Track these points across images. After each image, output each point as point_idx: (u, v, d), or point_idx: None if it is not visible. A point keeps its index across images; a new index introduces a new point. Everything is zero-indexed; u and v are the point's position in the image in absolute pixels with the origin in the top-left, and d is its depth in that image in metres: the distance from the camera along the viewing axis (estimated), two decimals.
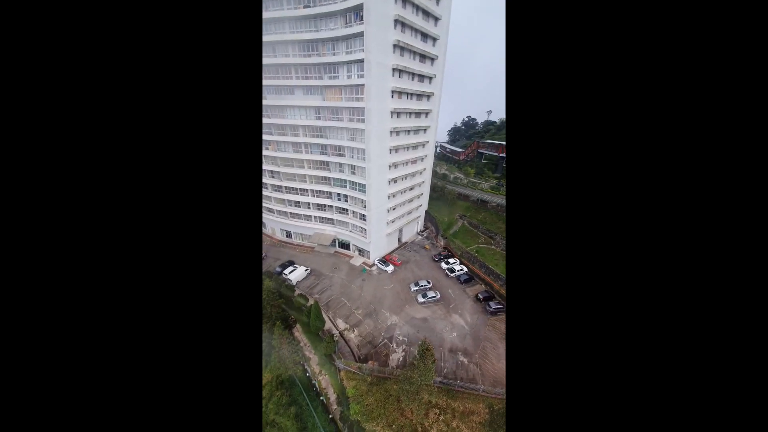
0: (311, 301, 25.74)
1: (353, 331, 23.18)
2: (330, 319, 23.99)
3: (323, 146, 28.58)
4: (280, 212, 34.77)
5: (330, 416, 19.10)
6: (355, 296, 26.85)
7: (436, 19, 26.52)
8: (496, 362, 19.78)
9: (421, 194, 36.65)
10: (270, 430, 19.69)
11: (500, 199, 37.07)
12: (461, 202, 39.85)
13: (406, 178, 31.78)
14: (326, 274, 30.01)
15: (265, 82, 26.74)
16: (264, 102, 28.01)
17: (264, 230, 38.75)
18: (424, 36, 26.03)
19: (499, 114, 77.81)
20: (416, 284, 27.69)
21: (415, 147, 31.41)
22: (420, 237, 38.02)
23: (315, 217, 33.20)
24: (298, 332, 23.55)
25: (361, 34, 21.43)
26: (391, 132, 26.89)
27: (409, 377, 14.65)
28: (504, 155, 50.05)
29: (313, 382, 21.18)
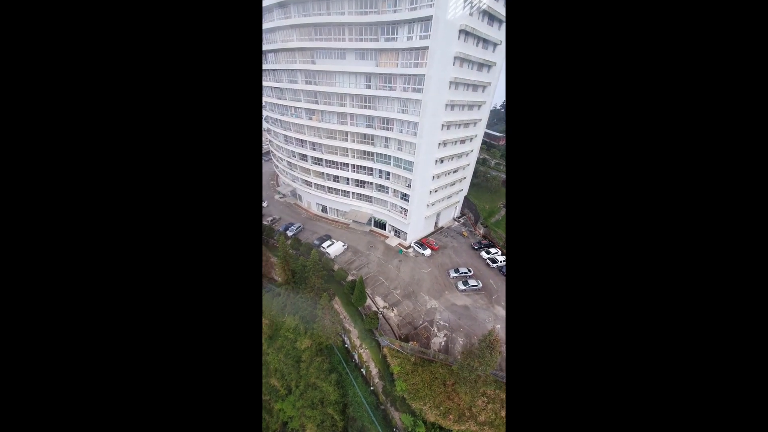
0: (351, 276, 25.72)
1: (392, 310, 22.96)
2: (369, 296, 23.87)
3: (370, 119, 26.95)
4: (317, 186, 34.41)
5: (371, 388, 19.40)
6: (393, 276, 26.45)
7: None
8: None
9: (464, 178, 34.42)
10: (312, 392, 20.50)
11: None
12: (503, 190, 37.14)
13: (452, 158, 29.64)
14: (363, 252, 29.76)
15: (314, 44, 25.05)
16: (312, 67, 26.50)
17: (300, 203, 38.99)
18: None
19: None
20: (456, 271, 26.65)
21: (466, 125, 28.84)
22: (457, 223, 36.37)
23: (353, 193, 32.46)
24: (338, 305, 23.78)
25: None
26: (446, 106, 24.53)
27: (469, 365, 14.02)
28: None
29: (353, 354, 21.51)
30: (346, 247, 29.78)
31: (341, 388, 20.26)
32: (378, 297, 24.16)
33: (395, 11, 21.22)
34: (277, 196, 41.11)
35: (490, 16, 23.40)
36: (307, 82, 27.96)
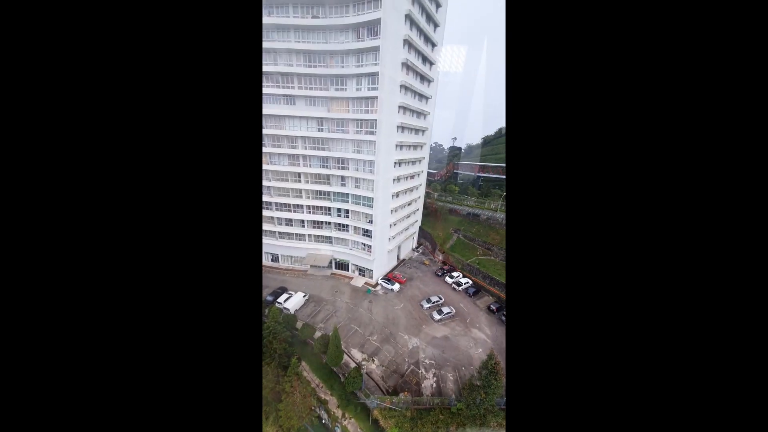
0: (319, 332, 22.25)
1: (373, 360, 20.36)
2: (344, 351, 20.81)
3: (324, 159, 26.99)
4: (266, 232, 30.76)
5: None
6: (366, 321, 24.16)
7: (433, 45, 28.80)
8: None
9: (417, 209, 36.72)
10: None
11: (491, 213, 39.31)
12: (453, 217, 41.05)
13: (405, 192, 31.62)
14: (327, 299, 26.71)
15: (264, 90, 24.81)
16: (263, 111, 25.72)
17: None
18: (424, 59, 27.81)
19: (461, 141, 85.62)
20: (428, 301, 26.36)
21: (413, 162, 31.90)
22: (416, 253, 37.36)
23: (309, 236, 30.17)
24: (307, 371, 19.73)
25: (373, 49, 21.76)
26: (396, 146, 26.90)
27: (474, 400, 12.88)
28: (479, 174, 54.43)
29: (335, 429, 17.46)
30: (307, 297, 26.27)
31: None
32: (354, 349, 21.27)
33: (343, 66, 23.44)
34: None
35: (421, 77, 28.29)
36: None
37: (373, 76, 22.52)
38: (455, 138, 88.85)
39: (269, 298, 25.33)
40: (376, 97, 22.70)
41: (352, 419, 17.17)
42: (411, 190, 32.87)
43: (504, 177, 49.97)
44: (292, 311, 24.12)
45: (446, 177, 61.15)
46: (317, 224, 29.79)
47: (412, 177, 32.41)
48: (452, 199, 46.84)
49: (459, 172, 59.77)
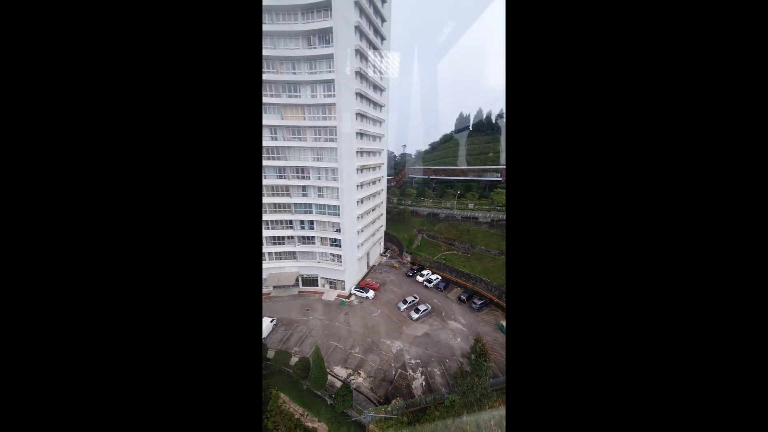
0: (296, 357, 20.20)
1: (359, 374, 19.38)
2: (328, 371, 19.28)
3: (280, 169, 25.31)
4: None
5: None
6: (345, 334, 22.99)
7: (381, 57, 30.27)
8: (501, 350, 20.84)
9: (381, 214, 37.18)
10: None
11: (447, 211, 42.28)
12: (415, 219, 42.76)
13: (369, 198, 31.78)
14: (298, 320, 24.58)
15: None
16: None
17: None
18: (375, 68, 28.97)
19: (411, 149, 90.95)
20: (404, 302, 26.60)
21: (374, 168, 32.42)
22: (385, 258, 37.56)
23: (270, 253, 27.55)
24: (287, 402, 17.59)
25: (327, 56, 21.77)
26: (357, 152, 27.01)
27: (468, 385, 13.29)
28: (432, 177, 58.41)
29: None
30: (274, 322, 23.72)
31: None
32: (337, 366, 19.92)
33: (295, 73, 22.71)
34: None
35: (374, 86, 29.30)
36: None
37: (329, 83, 22.41)
38: (405, 145, 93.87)
39: None
40: (334, 104, 22.56)
41: None
42: (374, 195, 33.21)
43: (453, 178, 54.71)
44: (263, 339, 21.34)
45: (402, 182, 63.83)
46: (278, 240, 27.46)
47: (374, 183, 32.82)
48: (411, 202, 48.94)
49: (413, 176, 63.07)
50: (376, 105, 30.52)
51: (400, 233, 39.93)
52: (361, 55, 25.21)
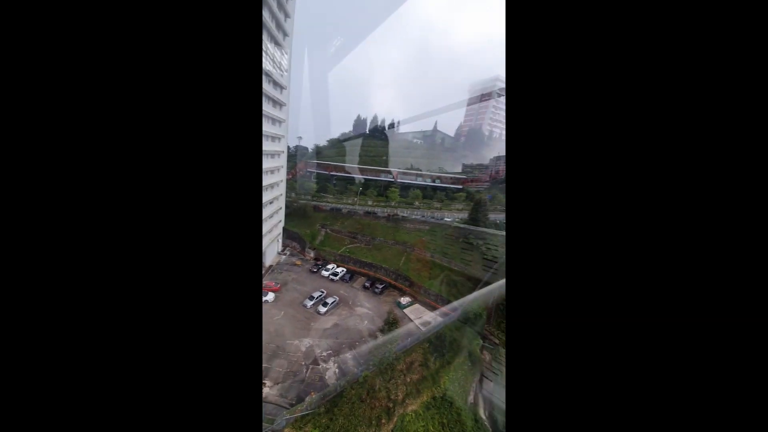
0: None
1: (264, 385, 17.10)
2: None
3: None
4: None
5: None
6: None
7: (283, 53, 27.40)
8: (401, 321, 24.46)
9: (280, 208, 33.64)
10: None
11: (350, 207, 43.73)
12: (317, 214, 41.40)
13: (266, 189, 28.10)
14: None
15: None
16: None
17: None
18: (275, 64, 25.90)
19: (306, 141, 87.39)
20: (310, 298, 25.64)
21: (272, 155, 28.94)
22: (284, 256, 34.33)
23: None
24: None
25: None
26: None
27: (384, 351, 14.87)
28: (332, 173, 58.65)
29: None
30: None
31: None
32: None
33: None
34: None
35: (274, 83, 26.07)
36: None
37: None
38: (300, 137, 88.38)
39: None
40: None
41: None
42: (271, 186, 29.63)
43: (353, 176, 57.38)
44: None
45: (299, 176, 59.97)
46: None
47: (272, 172, 29.27)
48: (311, 197, 47.15)
49: (312, 171, 60.75)
50: (277, 85, 27.37)
51: (301, 229, 37.70)
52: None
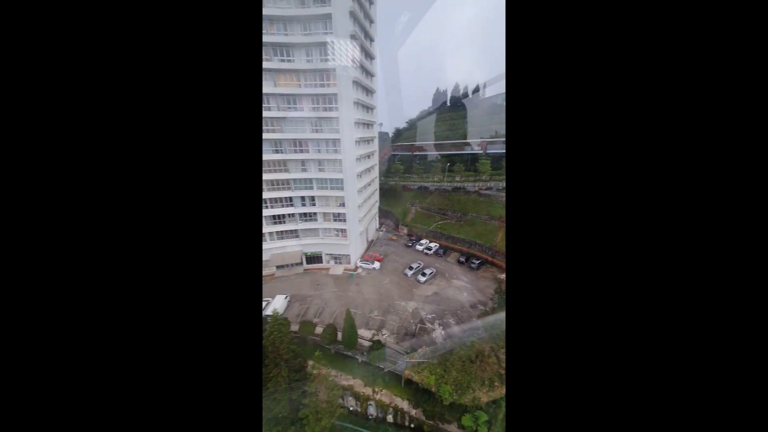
0: (319, 327, 20.64)
1: (382, 333, 20.62)
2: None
3: (275, 143, 23.92)
4: None
5: (412, 426, 16.23)
6: (360, 302, 23.86)
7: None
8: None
9: (375, 190, 37.36)
10: None
11: (438, 184, 43.81)
12: (407, 193, 43.66)
13: (366, 172, 31.66)
14: (312, 294, 24.77)
15: None
16: None
17: None
18: (366, 35, 27.70)
19: (387, 126, 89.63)
20: (410, 268, 28.04)
21: (368, 141, 32.02)
22: (381, 233, 38.36)
23: (271, 233, 26.63)
24: (318, 368, 18.30)
25: (323, 17, 20.34)
26: (355, 123, 26.37)
27: (496, 320, 15.23)
28: (415, 153, 59.27)
29: (367, 408, 17.20)
30: (288, 298, 23.61)
31: None
32: (360, 329, 20.85)
33: (286, 35, 20.94)
34: None
35: (365, 53, 28.15)
36: None
37: (322, 46, 21.11)
38: (381, 123, 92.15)
39: None
40: (334, 69, 21.50)
41: (383, 390, 17.27)
42: (369, 170, 33.09)
43: (438, 153, 56.08)
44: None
45: (384, 159, 63.67)
46: (278, 219, 26.52)
47: (368, 156, 32.57)
48: (399, 178, 49.60)
49: (396, 153, 63.23)
50: (368, 74, 29.54)
51: (393, 208, 40.73)
52: (355, 18, 23.88)
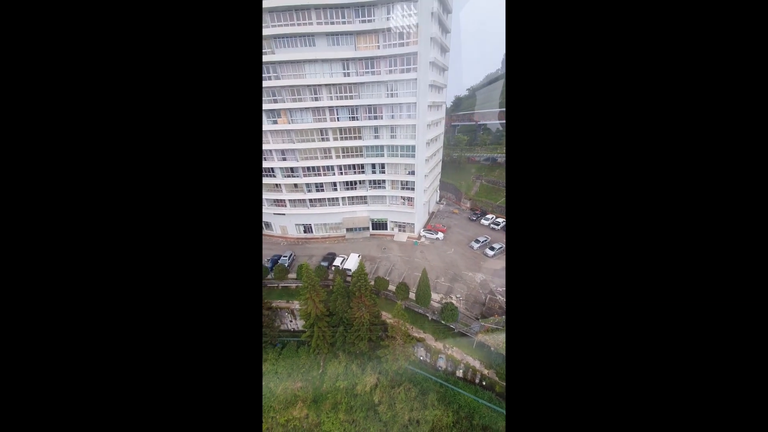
0: (392, 285, 22.26)
1: (450, 297, 21.15)
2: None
3: (352, 110, 24.62)
4: (295, 202, 28.68)
5: (484, 383, 16.97)
6: (427, 268, 24.53)
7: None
8: None
9: (440, 161, 36.16)
10: (416, 430, 16.28)
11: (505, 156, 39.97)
12: (471, 165, 41.21)
13: (433, 141, 30.59)
14: (379, 256, 26.50)
15: (274, 30, 21.04)
16: (273, 57, 22.09)
17: (269, 231, 31.44)
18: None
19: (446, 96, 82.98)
20: (476, 241, 27.26)
21: (438, 106, 30.44)
22: (441, 206, 37.66)
23: (343, 198, 28.70)
24: (389, 319, 20.04)
25: None
26: (430, 86, 25.10)
27: None
28: (480, 122, 54.26)
29: (437, 361, 18.45)
30: (360, 257, 25.81)
31: (448, 405, 16.88)
32: None
33: None
34: None
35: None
36: (264, 78, 23.02)
37: (407, 1, 19.86)
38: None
39: (323, 263, 24.52)
40: (416, 27, 20.31)
41: (455, 348, 18.16)
42: (436, 138, 31.85)
43: (504, 122, 50.21)
44: (352, 272, 23.68)
45: (446, 129, 60.16)
46: (350, 185, 28.24)
47: (436, 124, 31.17)
48: (461, 150, 46.70)
49: (457, 123, 59.00)
50: (443, 50, 27.12)
51: (456, 180, 39.11)
52: None
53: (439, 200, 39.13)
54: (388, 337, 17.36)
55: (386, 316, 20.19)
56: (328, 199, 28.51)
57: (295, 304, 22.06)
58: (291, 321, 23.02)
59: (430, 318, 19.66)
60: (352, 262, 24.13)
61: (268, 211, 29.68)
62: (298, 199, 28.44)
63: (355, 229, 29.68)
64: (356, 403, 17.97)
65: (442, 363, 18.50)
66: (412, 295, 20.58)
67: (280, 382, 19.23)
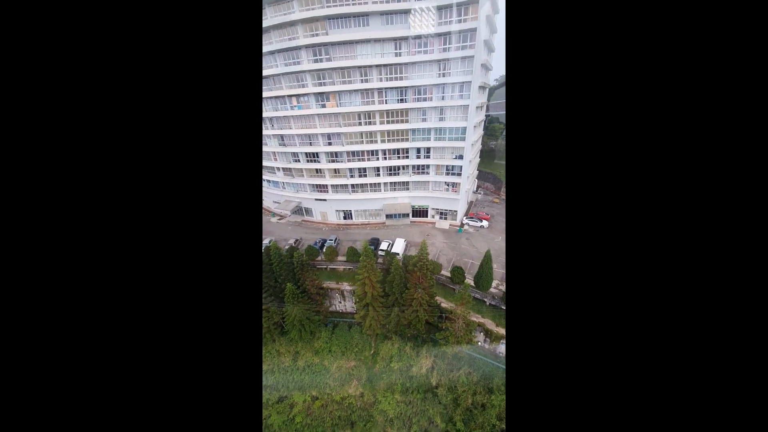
0: (445, 270, 21.77)
1: (504, 284, 20.32)
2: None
3: (402, 91, 24.16)
4: (337, 187, 28.83)
5: None
6: (475, 254, 23.83)
7: None
8: None
9: (480, 148, 34.98)
10: (485, 414, 15.79)
11: None
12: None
13: (479, 125, 29.53)
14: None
15: (326, 11, 20.99)
16: (324, 39, 22.08)
17: (310, 218, 31.95)
18: None
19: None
20: None
21: (484, 89, 29.29)
22: (479, 195, 36.49)
23: (385, 184, 28.46)
24: (444, 302, 19.59)
25: None
26: (482, 66, 24.10)
27: None
28: None
29: (500, 344, 17.77)
30: (406, 242, 25.51)
31: None
32: None
33: None
34: (273, 219, 32.66)
35: None
36: (315, 60, 23.12)
37: None
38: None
39: (370, 247, 24.49)
40: (477, 1, 19.45)
41: None
42: (480, 124, 30.74)
43: None
44: (400, 256, 23.43)
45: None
46: (393, 170, 27.91)
47: (481, 108, 30.06)
48: (499, 138, 45.03)
49: (489, 114, 57.04)
50: (492, 31, 25.90)
51: (495, 169, 37.75)
52: None
53: (476, 189, 37.96)
54: (447, 319, 16.93)
55: (440, 300, 19.78)
56: (370, 184, 28.38)
57: (344, 285, 22.18)
58: (340, 302, 23.22)
59: (488, 303, 19.00)
60: (399, 246, 23.88)
61: (309, 197, 30.11)
62: (340, 185, 28.55)
63: (395, 215, 29.39)
64: (412, 384, 17.77)
65: (501, 349, 17.83)
66: (466, 280, 19.99)
67: (335, 360, 19.43)
